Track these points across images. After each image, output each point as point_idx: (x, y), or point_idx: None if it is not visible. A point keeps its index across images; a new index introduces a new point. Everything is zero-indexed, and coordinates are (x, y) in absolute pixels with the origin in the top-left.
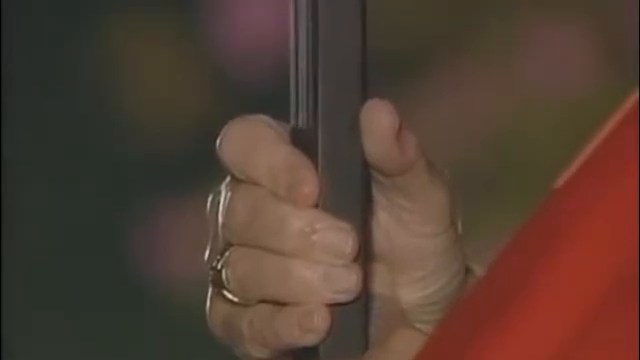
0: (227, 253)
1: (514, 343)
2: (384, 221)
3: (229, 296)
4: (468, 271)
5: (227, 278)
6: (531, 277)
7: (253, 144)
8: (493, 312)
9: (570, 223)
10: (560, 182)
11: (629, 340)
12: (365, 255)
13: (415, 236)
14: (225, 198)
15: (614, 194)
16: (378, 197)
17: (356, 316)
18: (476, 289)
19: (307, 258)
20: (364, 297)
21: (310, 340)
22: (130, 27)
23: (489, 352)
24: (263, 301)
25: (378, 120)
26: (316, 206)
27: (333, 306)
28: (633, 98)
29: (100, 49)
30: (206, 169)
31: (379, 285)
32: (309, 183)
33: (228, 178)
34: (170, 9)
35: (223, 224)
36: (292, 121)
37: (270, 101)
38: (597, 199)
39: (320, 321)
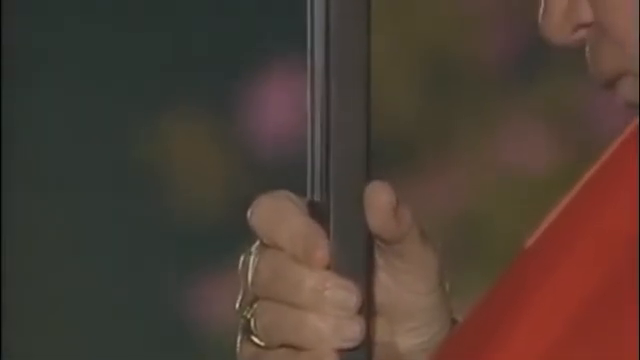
0: (255, 305)
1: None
2: (384, 280)
3: (256, 340)
4: (455, 322)
5: (254, 326)
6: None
7: (277, 215)
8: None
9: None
10: (530, 241)
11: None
12: (369, 308)
13: (410, 293)
14: (254, 259)
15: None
16: (379, 260)
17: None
18: (462, 326)
19: (319, 311)
20: (368, 343)
21: None
22: (172, 118)
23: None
24: (283, 345)
25: (378, 198)
26: (328, 268)
27: (341, 351)
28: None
29: (148, 136)
30: (239, 235)
31: (380, 333)
32: (321, 249)
33: (257, 242)
34: (205, 102)
35: (252, 281)
36: (309, 195)
37: (290, 179)
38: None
39: None
